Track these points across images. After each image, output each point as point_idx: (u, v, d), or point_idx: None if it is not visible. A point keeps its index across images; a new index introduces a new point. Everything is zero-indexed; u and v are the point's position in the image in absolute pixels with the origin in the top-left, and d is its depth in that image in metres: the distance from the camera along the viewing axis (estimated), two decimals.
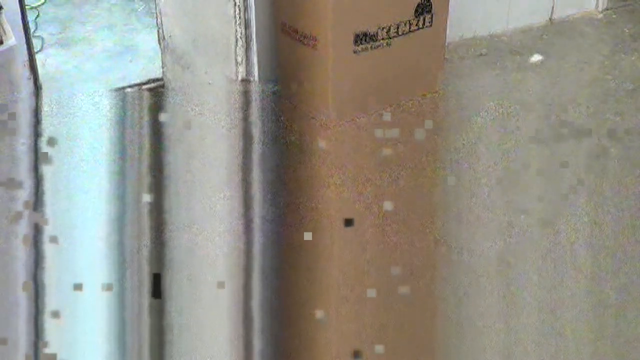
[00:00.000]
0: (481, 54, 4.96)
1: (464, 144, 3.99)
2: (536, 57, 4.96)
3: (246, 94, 4.17)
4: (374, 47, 4.23)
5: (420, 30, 4.36)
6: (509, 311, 3.05)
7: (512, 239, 3.39)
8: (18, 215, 3.28)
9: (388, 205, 3.44)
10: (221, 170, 3.55)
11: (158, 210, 3.27)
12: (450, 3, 4.47)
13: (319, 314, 2.88)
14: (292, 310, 2.96)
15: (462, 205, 3.61)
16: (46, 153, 3.56)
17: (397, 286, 2.97)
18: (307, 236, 3.16)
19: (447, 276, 3.16)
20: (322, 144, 3.87)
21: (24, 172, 3.49)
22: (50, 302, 2.96)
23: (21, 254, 3.11)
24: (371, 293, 2.97)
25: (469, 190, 3.67)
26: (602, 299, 3.08)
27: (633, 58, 4.97)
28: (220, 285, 2.97)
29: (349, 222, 3.30)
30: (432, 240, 3.34)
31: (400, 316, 2.92)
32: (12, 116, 3.72)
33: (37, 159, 3.54)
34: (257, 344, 2.88)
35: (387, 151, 3.82)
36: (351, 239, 3.26)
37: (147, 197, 3.33)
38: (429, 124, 4.09)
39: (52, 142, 3.64)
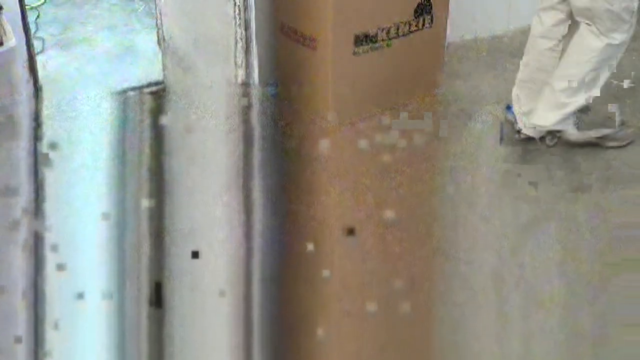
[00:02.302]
0: (481, 55, 4.96)
1: (463, 149, 4.00)
2: None
3: (246, 97, 4.17)
4: (374, 49, 4.23)
5: (420, 31, 4.36)
6: (504, 334, 3.06)
7: (506, 254, 3.42)
8: (17, 222, 3.28)
9: (388, 214, 3.44)
10: (221, 176, 3.55)
11: (159, 217, 3.27)
12: (450, 4, 4.46)
13: (320, 330, 2.89)
14: (293, 324, 2.97)
15: (460, 214, 3.63)
16: (46, 158, 3.55)
17: (396, 301, 2.97)
18: (309, 246, 3.16)
19: (445, 291, 3.17)
20: (322, 149, 3.87)
21: (23, 178, 3.48)
22: (50, 311, 2.96)
23: (20, 262, 3.12)
24: (370, 307, 2.98)
25: (468, 199, 3.69)
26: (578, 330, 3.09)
27: (633, 57, 4.96)
28: (222, 294, 2.98)
29: (350, 232, 3.31)
30: (431, 251, 3.35)
31: (398, 336, 2.93)
32: (12, 119, 3.71)
33: (37, 163, 3.53)
34: (258, 356, 2.89)
35: (387, 157, 3.83)
36: (351, 249, 3.27)
37: (148, 204, 3.34)
38: (428, 128, 4.09)
39: (52, 146, 3.64)
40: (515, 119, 3.94)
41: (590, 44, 3.86)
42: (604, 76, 3.96)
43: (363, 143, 3.90)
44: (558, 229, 3.59)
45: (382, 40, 4.23)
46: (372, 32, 4.19)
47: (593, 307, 3.16)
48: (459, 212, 3.60)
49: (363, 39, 4.18)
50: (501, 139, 3.84)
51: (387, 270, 3.21)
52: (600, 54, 3.86)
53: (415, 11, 4.30)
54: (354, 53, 4.18)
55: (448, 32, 4.57)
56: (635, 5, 3.83)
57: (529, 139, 4.06)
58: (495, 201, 3.75)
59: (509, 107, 3.84)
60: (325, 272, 3.07)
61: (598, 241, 3.48)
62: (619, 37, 3.83)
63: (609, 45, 3.84)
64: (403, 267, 3.22)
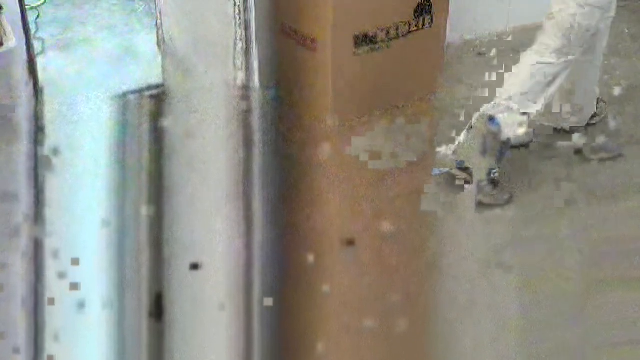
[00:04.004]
0: (481, 54, 4.95)
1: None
2: None
3: (246, 101, 4.16)
4: (374, 49, 4.22)
5: (420, 31, 4.35)
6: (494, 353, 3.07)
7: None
8: (17, 227, 3.28)
9: (386, 225, 3.45)
10: (221, 184, 3.55)
11: (159, 227, 3.27)
12: (450, 3, 4.45)
13: (320, 345, 2.90)
14: (293, 337, 2.98)
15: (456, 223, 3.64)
16: (46, 162, 3.55)
17: (392, 318, 2.98)
18: (309, 259, 3.18)
19: (438, 308, 3.17)
20: (322, 156, 3.87)
21: (23, 182, 3.47)
22: (50, 320, 2.97)
23: (20, 269, 3.12)
24: (370, 323, 2.98)
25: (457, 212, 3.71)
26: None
27: (633, 59, 4.96)
28: (221, 307, 2.99)
29: (350, 243, 3.32)
30: (425, 265, 3.35)
31: (397, 352, 2.94)
32: (12, 122, 3.69)
33: (37, 168, 3.52)
34: None
35: (386, 163, 3.84)
36: (352, 261, 3.27)
37: (148, 212, 3.33)
38: (427, 130, 4.10)
39: (52, 150, 3.63)
40: (500, 130, 3.90)
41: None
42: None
43: (363, 148, 3.92)
44: (541, 245, 3.58)
45: (382, 41, 4.23)
46: (372, 32, 4.18)
47: (577, 327, 3.16)
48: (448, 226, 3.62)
49: (363, 40, 4.17)
50: (484, 151, 3.81)
51: (386, 283, 3.23)
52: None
53: (415, 11, 4.29)
54: (354, 54, 4.18)
55: (448, 32, 4.56)
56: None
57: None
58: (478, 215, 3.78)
59: (492, 119, 3.81)
60: (325, 286, 3.08)
61: (583, 258, 3.48)
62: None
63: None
64: (401, 281, 3.23)
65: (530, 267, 3.43)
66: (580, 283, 3.32)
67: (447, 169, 3.86)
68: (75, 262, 3.09)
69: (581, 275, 3.36)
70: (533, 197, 3.87)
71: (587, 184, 3.92)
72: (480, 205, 3.80)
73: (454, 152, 3.86)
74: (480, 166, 3.78)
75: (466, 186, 3.77)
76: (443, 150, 3.88)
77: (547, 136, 4.18)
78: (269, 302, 2.98)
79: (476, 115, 3.83)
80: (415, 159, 3.95)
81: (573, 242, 3.55)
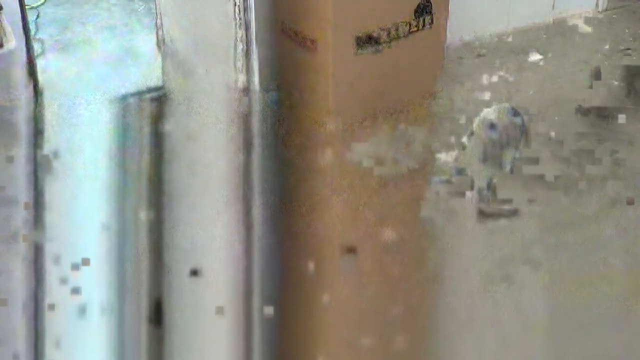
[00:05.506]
0: (480, 55, 4.95)
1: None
2: (535, 56, 4.96)
3: (246, 104, 4.15)
4: (374, 50, 4.21)
5: (420, 31, 4.34)
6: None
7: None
8: (16, 232, 3.28)
9: (387, 233, 3.44)
10: (222, 188, 3.54)
11: (159, 232, 3.27)
12: (450, 4, 4.44)
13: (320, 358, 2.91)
14: (294, 344, 2.99)
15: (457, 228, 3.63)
16: (45, 165, 3.54)
17: (392, 333, 2.98)
18: (309, 266, 3.18)
19: (438, 322, 3.17)
20: (322, 161, 3.87)
21: (22, 186, 3.47)
22: (51, 326, 2.97)
23: (20, 274, 3.12)
24: (369, 335, 2.98)
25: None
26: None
27: (634, 58, 4.96)
28: (222, 313, 2.99)
29: (350, 250, 3.32)
30: (425, 277, 3.35)
31: None
32: (10, 125, 3.68)
33: (36, 171, 3.52)
34: None
35: (387, 169, 3.84)
36: (351, 269, 3.27)
37: (148, 217, 3.33)
38: (427, 135, 4.10)
39: (51, 153, 3.63)
40: None
41: None
42: None
43: (363, 153, 3.91)
44: (585, 245, 3.56)
45: (383, 42, 4.22)
46: (372, 33, 4.17)
47: (619, 332, 3.14)
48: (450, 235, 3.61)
49: (363, 40, 4.16)
50: (485, 158, 3.80)
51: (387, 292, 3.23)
52: None
53: (415, 11, 4.28)
54: (355, 54, 4.17)
55: (447, 32, 4.55)
56: None
57: None
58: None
59: (492, 125, 3.79)
60: (325, 293, 3.08)
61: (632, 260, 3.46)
62: None
63: None
64: (403, 292, 3.23)
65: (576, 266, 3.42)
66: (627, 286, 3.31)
67: (446, 177, 3.86)
68: (76, 267, 3.10)
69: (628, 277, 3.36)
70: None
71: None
72: (483, 214, 3.78)
73: (456, 159, 3.85)
74: (481, 174, 3.76)
75: (467, 194, 3.75)
76: (443, 157, 3.88)
77: None
78: (269, 310, 2.98)
79: (477, 121, 3.81)
80: (417, 166, 3.94)
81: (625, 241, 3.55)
